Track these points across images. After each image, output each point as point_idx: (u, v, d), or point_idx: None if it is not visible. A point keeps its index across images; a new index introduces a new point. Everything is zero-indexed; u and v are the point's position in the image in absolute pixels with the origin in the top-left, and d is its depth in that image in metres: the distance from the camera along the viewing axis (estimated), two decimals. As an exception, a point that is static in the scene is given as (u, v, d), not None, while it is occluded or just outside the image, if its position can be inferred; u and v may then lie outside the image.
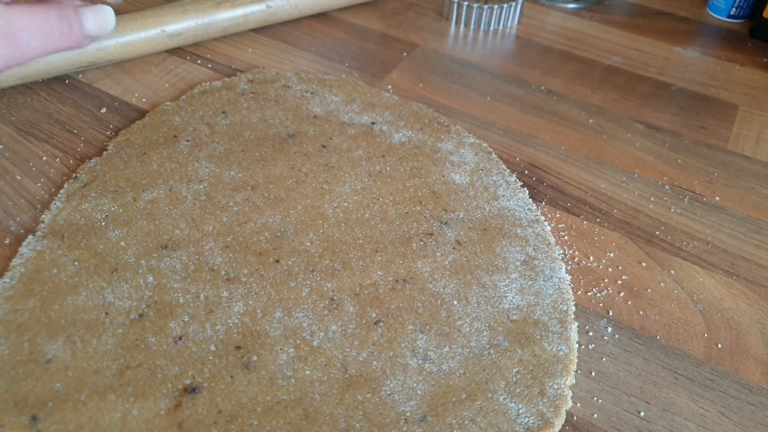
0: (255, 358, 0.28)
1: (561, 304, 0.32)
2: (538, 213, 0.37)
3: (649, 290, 0.34)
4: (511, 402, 0.27)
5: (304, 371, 0.28)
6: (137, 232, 0.33)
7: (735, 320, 0.33)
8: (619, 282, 0.34)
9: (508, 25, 0.43)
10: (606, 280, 0.34)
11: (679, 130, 0.46)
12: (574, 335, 0.30)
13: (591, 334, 0.31)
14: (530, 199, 0.38)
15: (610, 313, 0.32)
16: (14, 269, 0.31)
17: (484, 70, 0.51)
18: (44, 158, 0.39)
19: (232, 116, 0.42)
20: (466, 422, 0.26)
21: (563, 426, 0.27)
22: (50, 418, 0.25)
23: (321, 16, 0.56)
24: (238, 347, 0.28)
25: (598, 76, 0.52)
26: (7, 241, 0.33)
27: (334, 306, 0.31)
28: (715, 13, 0.62)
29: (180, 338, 0.29)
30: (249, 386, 0.27)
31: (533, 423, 0.27)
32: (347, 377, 0.28)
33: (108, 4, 0.38)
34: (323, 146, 0.40)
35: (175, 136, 0.40)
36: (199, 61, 0.49)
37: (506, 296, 0.32)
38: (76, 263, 0.31)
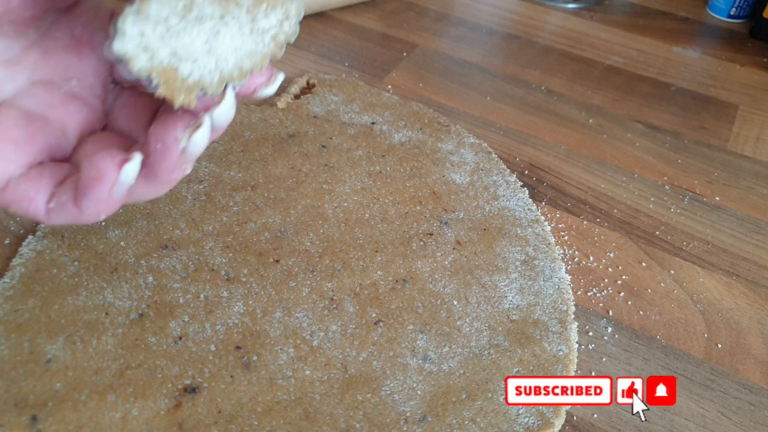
0: (255, 358, 0.28)
1: (561, 304, 0.32)
2: (538, 213, 0.37)
3: (649, 290, 0.34)
4: (511, 402, 0.27)
5: (304, 371, 0.28)
6: (137, 232, 0.33)
7: (735, 320, 0.33)
8: (619, 282, 0.34)
9: None
10: (606, 280, 0.34)
11: (679, 130, 0.46)
12: (574, 335, 0.30)
13: (591, 334, 0.31)
14: (530, 199, 0.38)
15: (610, 313, 0.32)
16: (14, 269, 0.31)
17: (484, 70, 0.51)
18: (44, 158, 0.39)
19: (232, 116, 0.42)
20: (466, 422, 0.26)
21: (563, 426, 0.27)
22: (50, 418, 0.25)
23: (321, 16, 0.56)
24: (238, 347, 0.28)
25: (598, 76, 0.52)
26: (7, 241, 0.33)
27: (334, 306, 0.31)
28: (715, 13, 0.62)
29: (180, 338, 0.29)
30: (249, 386, 0.27)
31: (533, 423, 0.27)
32: (347, 377, 0.28)
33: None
34: (323, 146, 0.40)
35: (175, 136, 0.40)
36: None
37: (506, 296, 0.32)
38: (76, 263, 0.31)
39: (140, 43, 0.17)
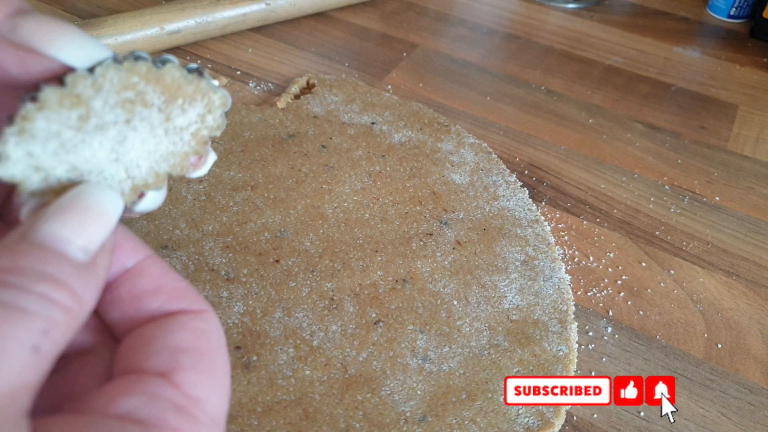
0: (255, 358, 0.28)
1: (561, 304, 0.32)
2: (538, 213, 0.37)
3: (649, 290, 0.34)
4: (511, 402, 0.27)
5: (304, 371, 0.28)
6: (137, 232, 0.33)
7: (735, 320, 0.33)
8: (619, 282, 0.34)
9: None
10: (606, 280, 0.34)
11: (679, 130, 0.46)
12: (574, 335, 0.30)
13: (591, 334, 0.31)
14: (530, 199, 0.38)
15: (610, 313, 0.32)
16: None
17: (484, 70, 0.51)
18: (44, 158, 0.39)
19: (232, 116, 0.42)
20: (466, 422, 0.26)
21: (563, 426, 0.27)
22: (50, 418, 0.25)
23: (321, 16, 0.56)
24: (238, 347, 0.28)
25: (598, 76, 0.52)
26: (6, 241, 0.33)
27: (334, 306, 0.31)
28: (715, 13, 0.62)
29: (180, 338, 0.29)
30: (249, 386, 0.27)
31: (533, 423, 0.27)
32: (347, 377, 0.28)
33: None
34: (323, 146, 0.40)
35: (175, 136, 0.40)
36: (199, 61, 0.49)
37: (506, 296, 0.32)
38: (75, 263, 0.31)
39: (30, 164, 0.14)
